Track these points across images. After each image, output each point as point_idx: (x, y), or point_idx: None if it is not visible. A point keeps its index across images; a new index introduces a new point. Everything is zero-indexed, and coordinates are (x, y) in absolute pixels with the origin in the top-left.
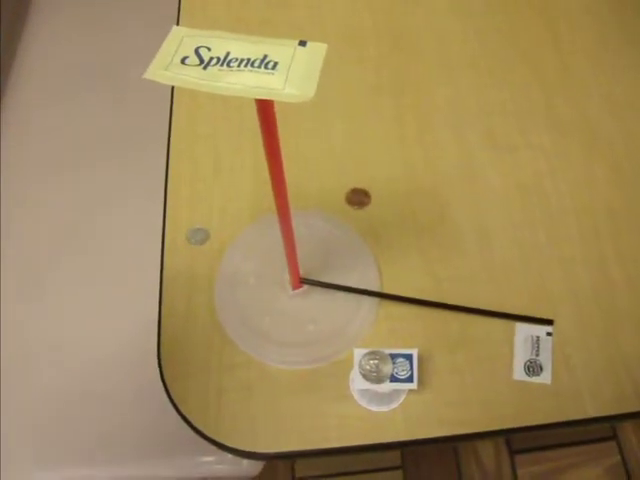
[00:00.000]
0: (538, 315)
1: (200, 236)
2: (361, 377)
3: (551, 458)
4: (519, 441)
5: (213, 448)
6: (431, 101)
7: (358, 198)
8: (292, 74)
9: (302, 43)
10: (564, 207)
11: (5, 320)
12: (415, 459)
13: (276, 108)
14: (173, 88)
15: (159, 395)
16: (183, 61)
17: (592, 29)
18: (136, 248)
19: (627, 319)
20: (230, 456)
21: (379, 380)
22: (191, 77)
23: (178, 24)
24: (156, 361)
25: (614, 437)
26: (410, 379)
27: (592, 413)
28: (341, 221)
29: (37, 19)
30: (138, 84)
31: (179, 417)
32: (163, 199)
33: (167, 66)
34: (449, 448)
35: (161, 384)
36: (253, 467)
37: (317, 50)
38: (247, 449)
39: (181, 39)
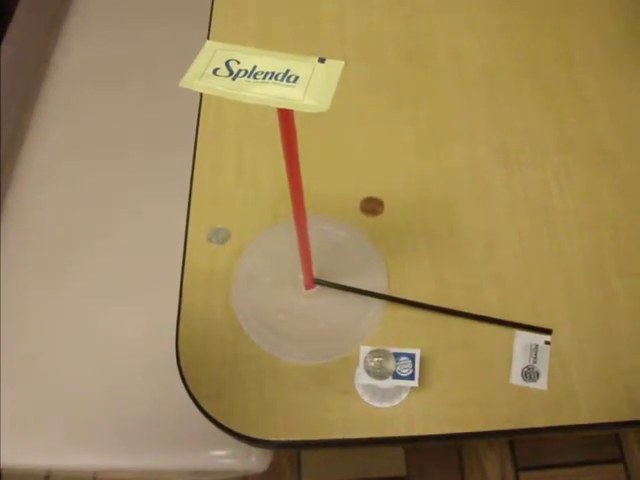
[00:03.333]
0: (538, 324)
1: (221, 236)
2: (365, 373)
3: (556, 477)
4: (525, 458)
5: (223, 442)
6: (446, 116)
7: (372, 206)
8: (311, 87)
9: (321, 60)
10: (569, 222)
11: (27, 311)
12: (420, 469)
13: (297, 118)
14: (201, 95)
15: (173, 389)
16: (215, 72)
17: (603, 51)
18: (159, 244)
19: (625, 332)
20: (239, 450)
21: (382, 376)
22: (221, 86)
23: (209, 33)
24: (174, 355)
25: (621, 460)
26: (412, 377)
27: (587, 420)
28: (354, 227)
29: (75, 19)
30: (168, 84)
31: (191, 411)
32: (187, 199)
33: (200, 76)
34: (454, 461)
35: (176, 378)
36: (261, 462)
37: (334, 67)
38: (256, 437)
39: (214, 52)
